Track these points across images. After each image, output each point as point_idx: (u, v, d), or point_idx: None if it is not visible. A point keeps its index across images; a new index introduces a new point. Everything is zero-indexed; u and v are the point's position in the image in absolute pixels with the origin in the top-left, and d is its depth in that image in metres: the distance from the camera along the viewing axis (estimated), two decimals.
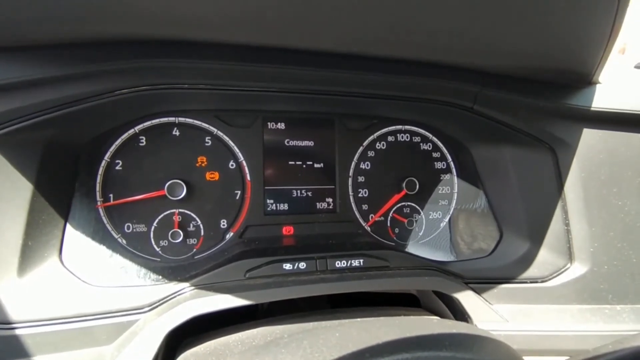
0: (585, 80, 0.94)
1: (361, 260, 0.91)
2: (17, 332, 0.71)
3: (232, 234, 1.02)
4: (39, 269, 0.79)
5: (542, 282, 0.97)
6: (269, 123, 1.05)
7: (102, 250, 0.91)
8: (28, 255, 0.77)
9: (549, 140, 0.98)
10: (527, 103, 0.94)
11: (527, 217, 1.02)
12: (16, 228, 0.75)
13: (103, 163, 0.93)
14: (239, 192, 1.03)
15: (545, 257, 0.99)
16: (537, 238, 1.01)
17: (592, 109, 0.93)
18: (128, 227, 0.94)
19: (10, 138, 0.72)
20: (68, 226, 0.87)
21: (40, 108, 0.73)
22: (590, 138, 0.96)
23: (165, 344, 0.72)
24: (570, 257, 0.98)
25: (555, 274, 0.97)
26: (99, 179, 0.92)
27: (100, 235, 0.91)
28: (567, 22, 0.74)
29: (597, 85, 0.95)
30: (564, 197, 0.98)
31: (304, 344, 0.54)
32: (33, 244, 0.78)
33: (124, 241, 0.94)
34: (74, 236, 0.87)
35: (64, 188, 0.87)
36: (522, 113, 0.96)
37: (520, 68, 0.91)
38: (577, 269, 0.97)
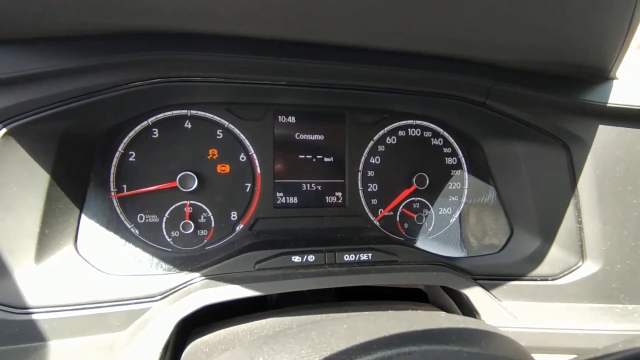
0: (602, 75, 0.92)
1: (369, 255, 0.91)
2: (34, 317, 0.73)
3: (242, 226, 1.03)
4: (55, 256, 0.81)
5: (552, 279, 0.96)
6: (279, 116, 1.05)
7: (115, 239, 0.93)
8: (45, 242, 0.79)
9: (563, 137, 0.97)
10: (541, 98, 0.92)
11: (539, 214, 1.01)
12: (33, 216, 0.77)
13: (117, 154, 0.94)
14: (249, 184, 1.03)
15: (556, 255, 0.98)
16: (548, 235, 1.00)
17: (608, 105, 0.91)
18: (141, 218, 0.96)
19: (28, 129, 0.74)
20: (83, 215, 0.89)
21: (57, 99, 0.74)
22: (605, 134, 0.94)
23: (176, 332, 0.74)
24: (582, 255, 0.97)
25: (566, 272, 0.96)
26: (112, 169, 0.94)
27: (114, 224, 0.93)
28: (585, 17, 0.73)
29: (614, 81, 0.93)
30: (577, 194, 0.97)
31: (312, 335, 0.55)
32: (49, 232, 0.80)
33: (137, 231, 0.96)
34: (88, 225, 0.90)
35: (79, 178, 0.89)
36: (536, 109, 0.94)
37: (535, 63, 0.89)
38: (589, 268, 0.96)
